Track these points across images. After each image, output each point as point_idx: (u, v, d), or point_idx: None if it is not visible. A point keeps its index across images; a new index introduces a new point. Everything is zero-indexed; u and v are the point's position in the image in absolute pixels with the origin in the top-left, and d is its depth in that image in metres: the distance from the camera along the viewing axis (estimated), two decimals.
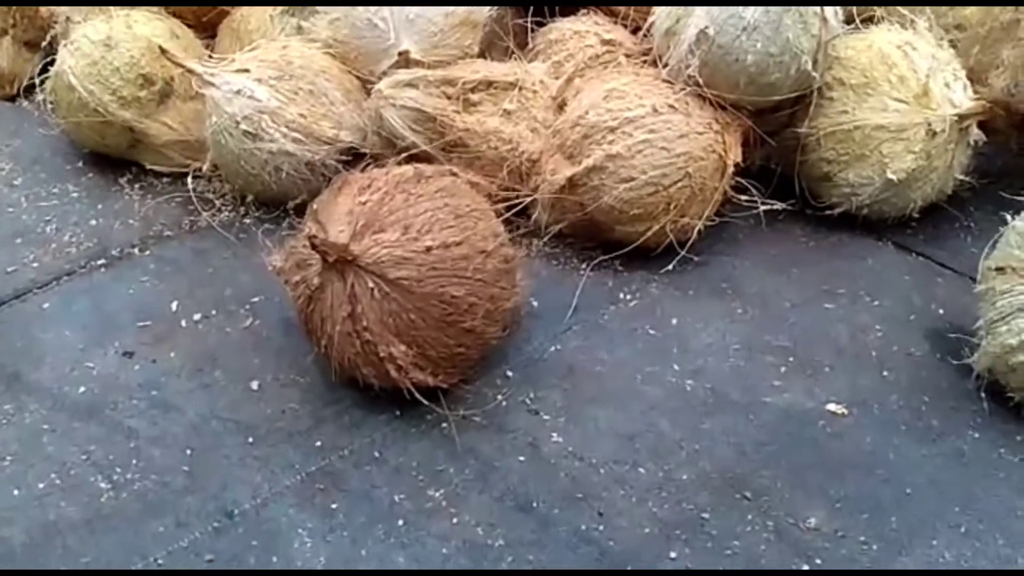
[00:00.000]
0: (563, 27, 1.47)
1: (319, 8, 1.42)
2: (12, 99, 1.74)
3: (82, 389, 1.11)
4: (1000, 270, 1.09)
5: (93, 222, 1.40)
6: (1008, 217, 1.11)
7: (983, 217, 1.36)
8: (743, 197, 1.32)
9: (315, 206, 1.04)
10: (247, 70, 1.34)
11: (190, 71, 1.36)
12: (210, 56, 1.42)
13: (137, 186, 1.48)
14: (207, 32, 1.61)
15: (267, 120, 1.31)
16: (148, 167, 1.49)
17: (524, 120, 1.33)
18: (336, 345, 1.01)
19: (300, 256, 1.02)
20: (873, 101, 1.29)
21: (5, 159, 1.54)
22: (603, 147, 1.24)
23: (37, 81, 1.65)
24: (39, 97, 1.61)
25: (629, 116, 1.24)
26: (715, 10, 1.23)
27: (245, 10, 1.54)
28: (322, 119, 1.34)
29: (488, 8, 1.44)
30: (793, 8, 1.22)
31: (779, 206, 1.35)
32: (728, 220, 1.34)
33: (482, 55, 1.41)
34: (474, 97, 1.32)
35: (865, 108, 1.29)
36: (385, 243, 0.98)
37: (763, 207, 1.33)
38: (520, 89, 1.34)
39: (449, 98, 1.31)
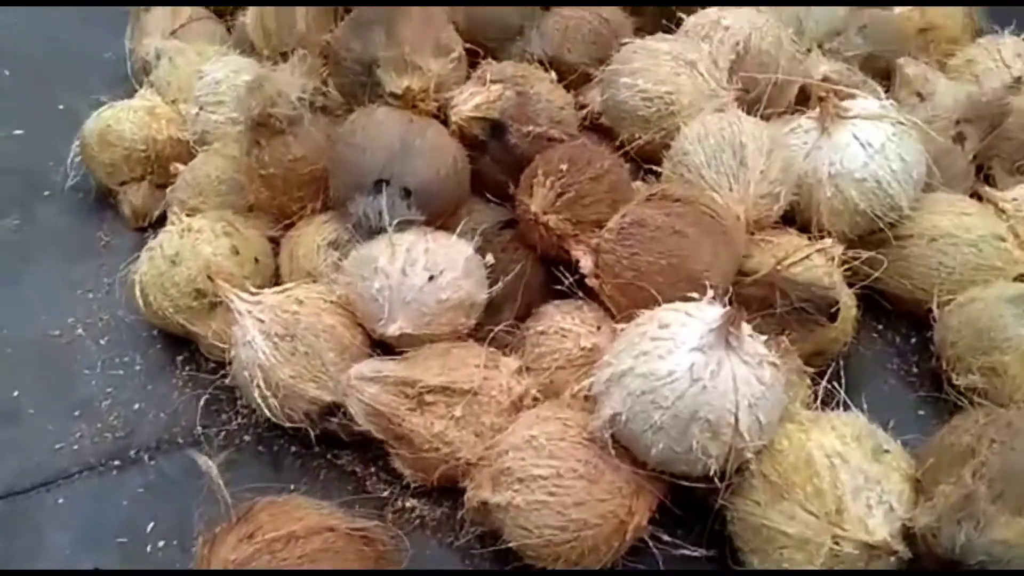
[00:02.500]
0: (552, 320, 1.57)
1: (341, 271, 1.60)
2: (143, 230, 2.05)
3: None
4: None
5: (136, 405, 1.68)
6: None
7: None
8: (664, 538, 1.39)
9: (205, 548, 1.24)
10: (263, 320, 1.55)
11: (227, 303, 1.60)
12: (253, 291, 1.60)
13: (188, 368, 1.73)
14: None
15: (260, 376, 1.52)
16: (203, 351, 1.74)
17: (472, 425, 1.46)
18: None
19: None
20: (784, 505, 1.30)
21: (103, 310, 1.85)
22: (510, 492, 1.35)
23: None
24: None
25: (536, 473, 1.33)
26: (629, 399, 1.29)
27: (299, 231, 1.74)
28: (309, 381, 1.52)
29: (482, 294, 1.56)
30: (702, 416, 1.25)
31: (695, 552, 1.40)
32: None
33: None
34: (429, 398, 1.46)
35: (775, 510, 1.31)
36: None
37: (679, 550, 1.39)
38: (476, 395, 1.46)
39: (406, 397, 1.46)
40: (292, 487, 1.51)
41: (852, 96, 1.80)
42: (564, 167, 1.59)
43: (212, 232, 1.70)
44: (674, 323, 1.30)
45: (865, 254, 1.65)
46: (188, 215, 1.80)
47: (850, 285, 1.68)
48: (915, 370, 1.73)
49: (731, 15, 1.89)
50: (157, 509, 1.51)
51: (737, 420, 1.25)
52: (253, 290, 1.61)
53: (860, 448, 1.30)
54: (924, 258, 1.72)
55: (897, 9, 2.33)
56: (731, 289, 1.46)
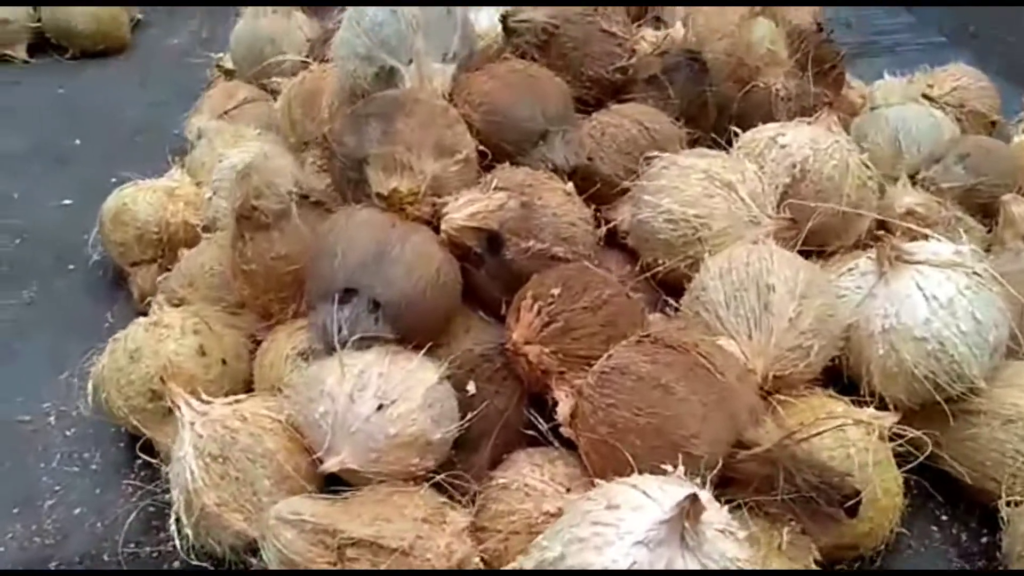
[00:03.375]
0: (518, 472, 1.34)
1: (292, 388, 1.43)
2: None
3: None
4: None
5: (78, 510, 1.55)
6: None
7: None
8: None
9: None
10: (201, 435, 1.39)
11: (174, 410, 1.45)
12: (205, 398, 1.45)
13: (144, 473, 1.60)
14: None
15: (185, 497, 1.35)
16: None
17: None
18: None
19: None
20: None
21: (81, 398, 1.73)
22: None
23: None
24: None
25: None
26: None
27: (273, 336, 1.58)
28: (235, 511, 1.34)
29: (442, 431, 1.35)
30: None
31: None
32: None
33: None
34: (351, 553, 1.25)
35: None
36: None
37: None
38: (406, 555, 1.24)
39: (325, 547, 1.26)
40: None
41: (925, 236, 1.51)
42: (556, 292, 1.38)
43: (180, 329, 1.57)
44: (625, 504, 1.05)
45: (919, 430, 1.34)
46: (175, 305, 1.68)
47: (901, 466, 1.37)
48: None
49: (791, 133, 1.66)
50: None
51: None
52: (205, 398, 1.46)
53: None
54: (996, 442, 1.40)
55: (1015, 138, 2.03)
56: (723, 463, 1.18)
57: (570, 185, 1.58)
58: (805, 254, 1.64)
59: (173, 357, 1.53)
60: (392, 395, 1.32)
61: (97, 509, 1.54)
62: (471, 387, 1.45)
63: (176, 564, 1.45)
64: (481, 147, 1.61)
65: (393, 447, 1.32)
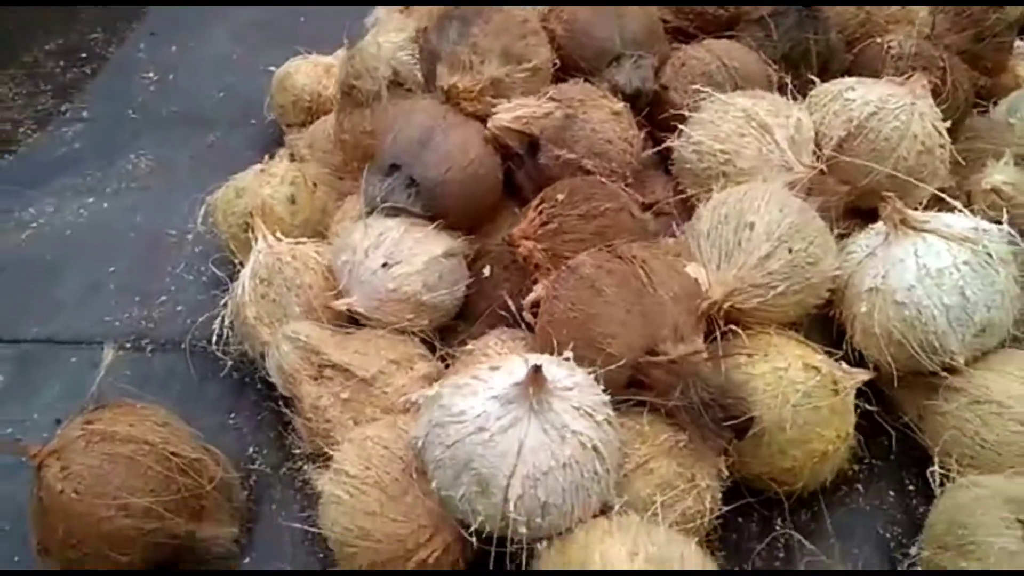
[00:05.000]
0: (486, 343, 1.52)
1: (334, 238, 1.68)
2: None
3: None
4: None
5: (180, 307, 1.92)
6: None
7: None
8: None
9: None
10: (259, 261, 1.69)
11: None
12: (279, 236, 1.74)
13: None
14: None
15: (233, 306, 1.67)
16: None
17: (354, 411, 1.48)
18: None
19: None
20: None
21: None
22: (328, 478, 1.36)
23: None
24: None
25: (347, 470, 1.32)
26: (428, 426, 1.23)
27: (346, 202, 1.84)
28: (266, 326, 1.63)
29: (434, 295, 1.56)
30: (475, 468, 1.16)
31: None
32: None
33: None
34: (328, 372, 1.50)
35: None
36: None
37: None
38: (368, 385, 1.48)
39: (310, 364, 1.52)
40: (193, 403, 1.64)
41: (952, 210, 1.49)
42: (560, 197, 1.53)
43: (281, 178, 1.86)
44: (504, 369, 1.22)
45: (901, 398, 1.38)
46: (292, 160, 1.98)
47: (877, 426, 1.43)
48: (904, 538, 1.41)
49: (864, 88, 1.65)
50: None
51: (508, 487, 1.14)
52: (280, 236, 1.74)
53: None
54: (959, 420, 1.39)
55: None
56: (636, 366, 1.30)
57: (620, 105, 1.68)
58: (856, 213, 1.66)
59: (267, 199, 1.83)
60: (397, 257, 1.54)
61: (193, 310, 1.88)
62: (487, 271, 1.63)
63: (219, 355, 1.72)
64: (560, 60, 1.74)
65: (391, 300, 1.54)
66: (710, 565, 1.18)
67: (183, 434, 1.39)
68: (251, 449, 1.61)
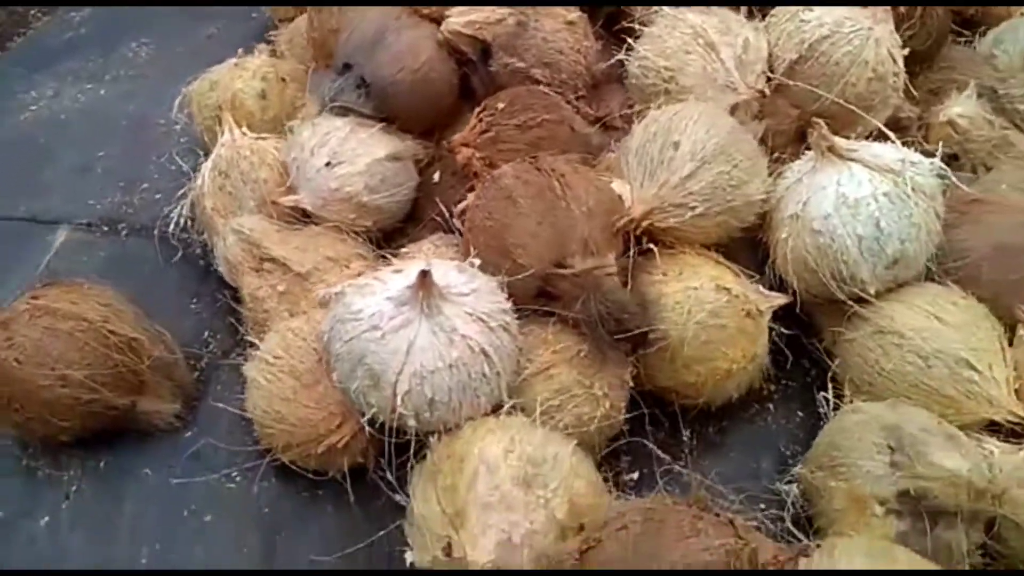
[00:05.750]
0: (419, 247, 1.58)
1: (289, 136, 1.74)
2: None
3: None
4: None
5: (158, 195, 2.00)
6: None
7: None
8: None
9: None
10: (221, 155, 1.76)
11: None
12: (245, 131, 1.80)
13: None
14: None
15: (194, 197, 1.75)
16: None
17: (289, 303, 1.56)
18: None
19: None
20: (427, 489, 1.25)
21: None
22: (253, 364, 1.46)
23: None
24: None
25: (267, 357, 1.42)
26: (332, 321, 1.30)
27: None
28: (222, 218, 1.71)
29: (375, 197, 1.62)
30: (368, 363, 1.24)
31: None
32: None
33: None
34: (267, 266, 1.58)
35: (420, 488, 1.26)
36: None
37: None
38: (304, 279, 1.56)
39: (252, 256, 1.60)
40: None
41: (888, 140, 1.49)
42: (500, 106, 1.56)
43: (253, 73, 1.91)
44: (405, 271, 1.28)
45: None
46: (272, 55, 2.03)
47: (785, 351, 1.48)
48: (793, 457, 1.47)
49: (820, 11, 1.62)
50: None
51: (397, 382, 1.22)
52: (245, 131, 1.80)
53: (515, 468, 1.19)
54: (863, 349, 1.43)
55: None
56: (543, 277, 1.36)
57: (576, 14, 1.68)
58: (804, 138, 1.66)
59: (238, 93, 1.89)
60: (341, 157, 1.60)
61: (169, 198, 1.94)
62: (436, 176, 1.68)
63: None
64: None
65: (334, 200, 1.61)
66: (587, 466, 1.25)
67: (125, 315, 1.48)
68: (207, 333, 1.70)
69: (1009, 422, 1.34)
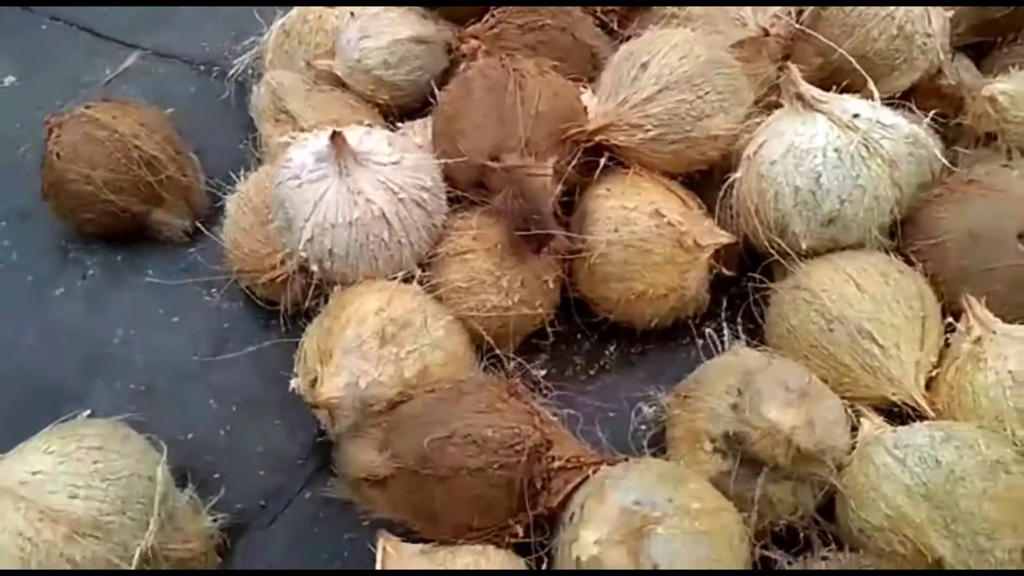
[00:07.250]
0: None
1: None
2: None
3: None
4: None
5: None
6: None
7: None
8: None
9: None
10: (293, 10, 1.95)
11: None
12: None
13: None
14: None
15: (260, 51, 1.95)
16: None
17: None
18: None
19: None
20: (321, 332, 1.40)
21: None
22: None
23: None
24: None
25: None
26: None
27: None
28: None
29: (391, 73, 1.75)
30: (286, 207, 1.40)
31: None
32: None
33: None
34: (282, 117, 1.74)
35: (322, 327, 1.41)
36: None
37: None
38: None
39: (275, 107, 1.78)
40: None
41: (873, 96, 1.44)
42: (511, 7, 1.63)
43: None
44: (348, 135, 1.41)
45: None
46: None
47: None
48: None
49: None
50: None
51: (303, 229, 1.37)
52: None
53: (379, 324, 1.31)
54: (780, 302, 1.42)
55: None
56: (479, 167, 1.45)
57: None
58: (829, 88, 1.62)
59: None
60: (368, 32, 1.73)
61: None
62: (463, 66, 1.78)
63: None
64: None
65: (358, 70, 1.75)
66: (455, 341, 1.35)
67: (156, 135, 1.71)
68: (241, 171, 1.90)
69: (907, 405, 1.29)
